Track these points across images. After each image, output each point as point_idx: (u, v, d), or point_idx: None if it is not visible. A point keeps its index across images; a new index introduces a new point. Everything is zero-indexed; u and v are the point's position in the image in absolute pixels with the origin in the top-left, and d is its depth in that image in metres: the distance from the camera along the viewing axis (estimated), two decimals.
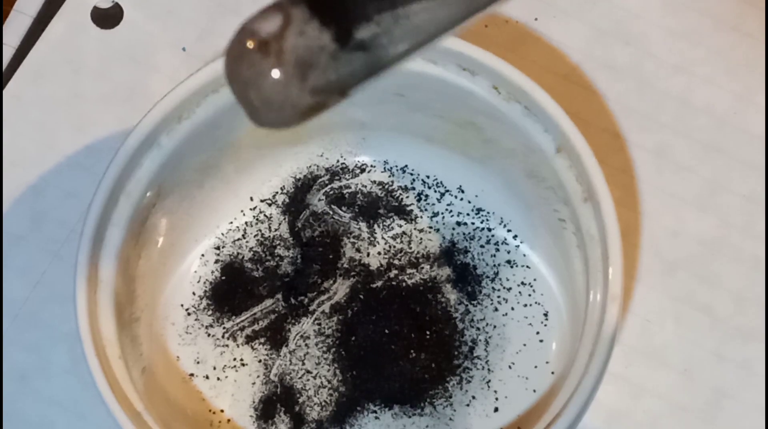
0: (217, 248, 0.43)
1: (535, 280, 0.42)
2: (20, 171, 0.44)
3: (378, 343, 0.41)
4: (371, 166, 0.43)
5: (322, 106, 0.24)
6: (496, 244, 0.42)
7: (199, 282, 0.42)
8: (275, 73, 0.23)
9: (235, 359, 0.42)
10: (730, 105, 0.44)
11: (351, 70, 0.24)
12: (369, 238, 0.43)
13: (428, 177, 0.43)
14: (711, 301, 0.42)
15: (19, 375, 0.42)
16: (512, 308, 0.42)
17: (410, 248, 0.43)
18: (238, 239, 0.43)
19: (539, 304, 0.42)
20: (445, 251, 0.42)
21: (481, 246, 0.42)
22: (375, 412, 0.41)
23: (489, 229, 0.43)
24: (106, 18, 0.45)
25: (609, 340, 0.35)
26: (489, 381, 0.41)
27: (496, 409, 0.41)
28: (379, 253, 0.42)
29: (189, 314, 0.42)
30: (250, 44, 0.24)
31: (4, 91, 0.45)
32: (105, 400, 0.35)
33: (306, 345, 0.42)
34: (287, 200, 0.43)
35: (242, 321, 0.42)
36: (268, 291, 0.42)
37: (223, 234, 0.43)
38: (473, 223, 0.43)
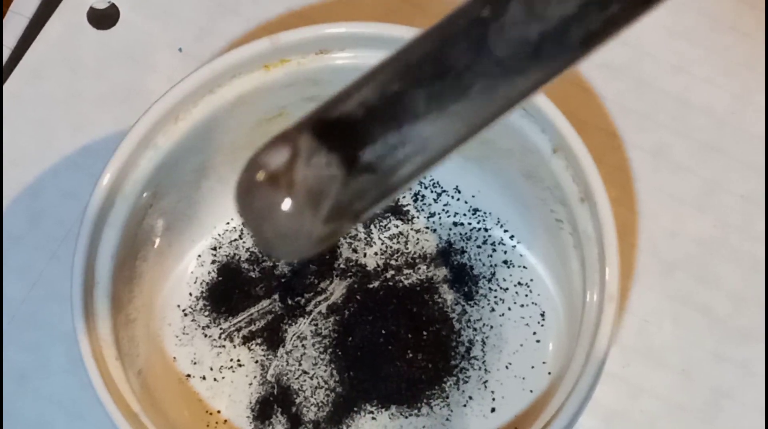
0: (214, 249, 0.43)
1: (531, 280, 0.42)
2: (18, 171, 0.44)
3: (375, 344, 0.41)
4: None
5: (336, 234, 0.24)
6: (493, 244, 0.42)
7: (195, 283, 0.42)
8: (287, 205, 0.23)
9: (231, 360, 0.42)
10: (729, 105, 0.44)
11: (362, 195, 0.24)
12: (366, 238, 0.43)
13: (425, 177, 0.43)
14: (709, 301, 0.42)
15: (17, 374, 0.42)
16: (509, 308, 0.42)
17: (407, 249, 0.43)
18: (235, 240, 0.43)
19: (536, 304, 0.42)
20: (442, 251, 0.42)
21: (478, 246, 0.42)
22: (372, 412, 0.41)
23: (486, 230, 0.43)
24: (103, 18, 0.45)
25: (606, 340, 0.35)
26: (486, 381, 0.41)
27: (493, 410, 0.41)
28: (376, 254, 0.42)
29: (186, 315, 0.42)
30: (260, 177, 0.23)
31: (2, 91, 0.45)
32: (102, 401, 0.35)
33: (303, 345, 0.42)
34: None
35: (239, 322, 0.42)
36: (265, 291, 0.42)
37: (219, 235, 0.43)
38: (470, 224, 0.43)
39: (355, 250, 0.42)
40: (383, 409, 0.41)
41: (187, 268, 0.42)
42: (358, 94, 0.23)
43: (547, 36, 0.22)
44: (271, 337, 0.42)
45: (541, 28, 0.22)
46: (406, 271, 0.42)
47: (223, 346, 0.42)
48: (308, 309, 0.42)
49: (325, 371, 0.41)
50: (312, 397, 0.41)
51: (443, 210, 0.43)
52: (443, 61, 0.23)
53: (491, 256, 0.42)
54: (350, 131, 0.23)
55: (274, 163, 0.23)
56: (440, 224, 0.43)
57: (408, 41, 0.24)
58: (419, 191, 0.43)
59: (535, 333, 0.41)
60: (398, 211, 0.43)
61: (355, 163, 0.23)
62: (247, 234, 0.43)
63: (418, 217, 0.43)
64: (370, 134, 0.23)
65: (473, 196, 0.43)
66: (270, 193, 0.23)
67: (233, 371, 0.42)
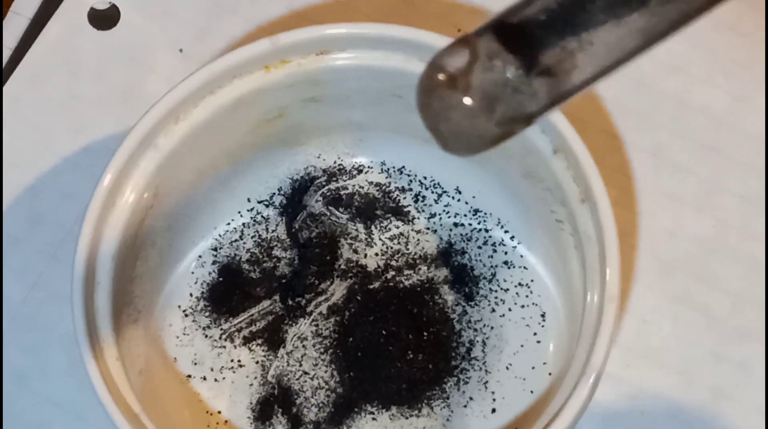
0: (215, 249, 0.43)
1: (532, 281, 0.42)
2: (18, 172, 0.44)
3: (375, 345, 0.41)
4: (368, 167, 0.43)
5: (508, 135, 0.25)
6: (494, 245, 0.42)
7: (196, 283, 0.42)
8: (463, 107, 0.25)
9: (232, 360, 0.42)
10: (728, 105, 0.44)
11: (536, 99, 0.25)
12: (366, 239, 0.43)
13: (425, 178, 0.43)
14: (709, 302, 0.42)
15: (17, 376, 0.42)
16: (509, 309, 0.42)
17: (407, 249, 0.43)
18: (236, 240, 0.43)
19: (536, 305, 0.42)
20: (443, 252, 0.42)
21: (479, 247, 0.42)
22: (372, 413, 0.41)
23: (486, 230, 0.43)
24: (103, 19, 0.45)
25: (606, 340, 0.35)
26: (486, 382, 0.41)
27: (493, 410, 0.41)
28: (377, 255, 0.42)
29: (186, 315, 0.42)
30: (439, 79, 0.25)
31: (2, 92, 0.45)
32: (102, 402, 0.35)
33: (303, 346, 0.42)
34: (284, 201, 0.43)
35: (239, 322, 0.42)
36: (266, 292, 0.42)
37: (220, 235, 0.43)
38: (470, 224, 0.43)
39: (355, 251, 0.43)
40: (384, 410, 0.41)
41: (188, 268, 0.42)
42: (540, 2, 0.24)
43: None
44: (272, 338, 0.42)
45: None
46: (406, 272, 0.42)
47: (224, 347, 0.42)
48: (309, 310, 0.42)
49: (326, 372, 0.41)
50: (312, 397, 0.41)
51: (444, 211, 0.43)
52: None
53: (492, 256, 0.42)
54: (532, 34, 0.24)
55: (454, 65, 0.25)
56: (441, 225, 0.43)
57: None
58: (420, 192, 0.43)
59: (535, 334, 0.41)
60: (399, 212, 0.43)
61: (535, 65, 0.24)
62: (248, 235, 0.43)
63: (418, 218, 0.43)
64: (550, 38, 0.24)
65: (474, 197, 0.43)
66: (448, 94, 0.25)
67: (234, 372, 0.42)
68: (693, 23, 0.25)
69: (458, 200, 0.43)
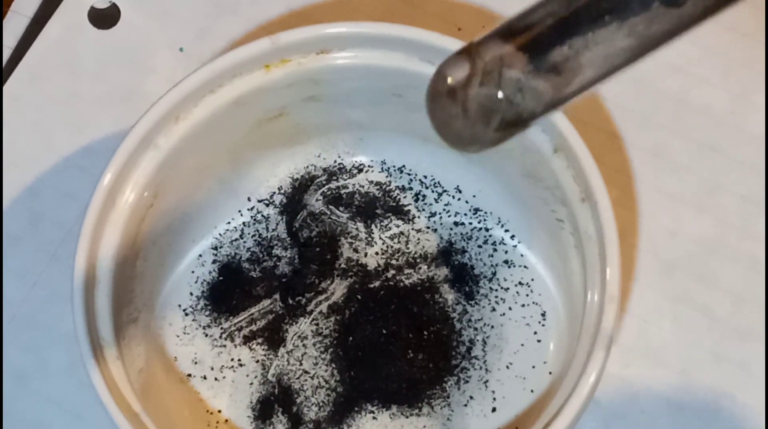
0: (215, 249, 0.43)
1: (532, 280, 0.42)
2: (18, 172, 0.44)
3: (376, 344, 0.41)
4: (369, 166, 0.43)
5: (507, 137, 0.27)
6: (494, 244, 0.42)
7: (196, 282, 0.42)
8: (461, 117, 0.27)
9: (232, 359, 0.42)
10: (728, 105, 0.44)
11: (539, 100, 0.26)
12: (366, 238, 0.43)
13: (426, 177, 0.43)
14: (709, 301, 0.42)
15: (17, 375, 0.42)
16: (510, 308, 0.42)
17: (408, 248, 0.43)
18: (236, 240, 0.43)
19: (537, 304, 0.42)
20: (443, 251, 0.42)
21: (479, 246, 0.42)
22: (373, 412, 0.41)
23: (486, 229, 0.43)
24: (104, 18, 0.45)
25: (607, 340, 0.35)
26: (487, 381, 0.41)
27: (493, 410, 0.41)
28: (377, 254, 0.42)
29: (187, 315, 0.42)
30: (442, 88, 0.27)
31: (2, 92, 0.45)
32: (103, 401, 0.35)
33: (304, 345, 0.42)
34: (285, 200, 0.43)
35: (240, 321, 0.42)
36: (266, 291, 0.42)
37: (220, 234, 0.43)
38: (471, 223, 0.43)
39: (356, 250, 0.43)
40: (384, 409, 0.41)
41: (188, 267, 0.42)
42: (544, 8, 0.26)
43: None
44: (272, 337, 0.42)
45: None
46: (407, 271, 0.42)
47: (224, 346, 0.42)
48: (309, 309, 0.42)
49: (326, 371, 0.41)
50: (313, 396, 0.41)
51: (444, 210, 0.43)
52: None
53: (492, 255, 0.42)
54: (538, 34, 0.26)
55: (455, 77, 0.26)
56: (441, 224, 0.43)
57: None
58: (420, 191, 0.43)
59: (535, 333, 0.41)
60: (399, 211, 0.43)
61: (543, 62, 0.26)
62: (248, 234, 0.43)
63: (419, 217, 0.43)
64: (557, 37, 0.26)
65: (474, 196, 0.43)
66: (449, 104, 0.27)
67: (234, 371, 0.41)
68: (696, 28, 0.26)
69: (458, 199, 0.43)
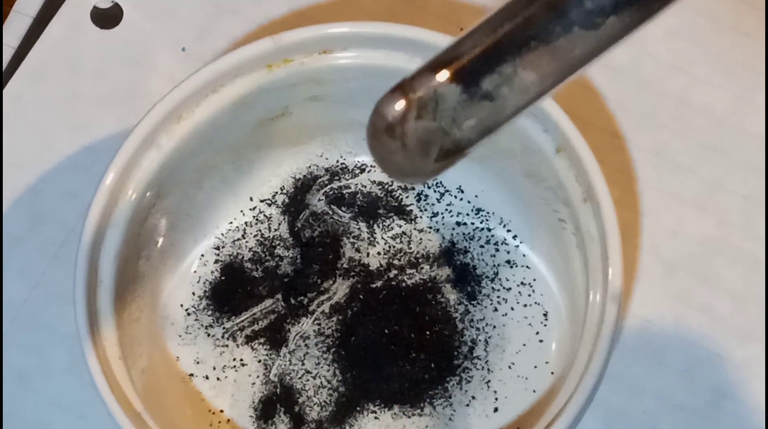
0: (217, 248, 0.43)
1: (534, 280, 0.42)
2: (19, 171, 0.44)
3: (378, 344, 0.41)
4: (371, 166, 0.43)
5: (448, 166, 0.28)
6: (496, 244, 0.42)
7: (198, 282, 0.42)
8: (401, 152, 0.27)
9: (234, 359, 0.42)
10: (729, 105, 0.44)
11: (472, 127, 0.27)
12: (369, 238, 0.43)
13: None
14: (710, 301, 0.42)
15: (18, 375, 0.42)
16: (512, 308, 0.42)
17: (410, 248, 0.43)
18: (238, 239, 0.43)
19: (539, 304, 0.42)
20: (445, 251, 0.42)
21: (481, 246, 0.42)
22: (375, 412, 0.41)
23: (488, 229, 0.43)
24: (106, 18, 0.45)
25: (609, 340, 0.35)
26: (489, 381, 0.41)
27: (495, 410, 0.41)
28: (379, 253, 0.42)
29: (189, 314, 0.42)
30: (380, 126, 0.27)
31: (4, 92, 0.44)
32: (105, 400, 0.35)
33: (306, 345, 0.42)
34: (287, 200, 0.43)
35: (242, 321, 0.42)
36: (268, 291, 0.42)
37: (222, 234, 0.43)
38: (473, 223, 0.43)
39: (358, 250, 0.43)
40: (386, 409, 0.41)
41: (190, 267, 0.42)
42: (471, 39, 0.27)
43: None
44: (274, 337, 0.42)
45: None
46: (409, 271, 0.42)
47: (226, 346, 0.42)
48: (311, 308, 0.42)
49: (328, 371, 0.41)
50: (315, 396, 0.41)
51: (446, 210, 0.43)
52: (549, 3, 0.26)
53: (494, 255, 0.42)
54: (468, 63, 0.27)
55: (391, 113, 0.27)
56: (443, 224, 0.43)
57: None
58: (422, 191, 0.43)
59: (538, 333, 0.41)
60: (401, 211, 0.43)
61: (475, 90, 0.27)
62: (250, 234, 0.43)
63: (421, 217, 0.43)
64: (486, 65, 0.26)
65: (476, 196, 0.43)
66: (388, 140, 0.28)
67: (236, 371, 0.41)
68: (618, 46, 0.27)
69: (461, 199, 0.43)
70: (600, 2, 0.26)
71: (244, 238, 0.43)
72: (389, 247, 0.43)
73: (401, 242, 0.43)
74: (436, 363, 0.41)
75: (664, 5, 0.26)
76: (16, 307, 0.42)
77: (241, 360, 0.42)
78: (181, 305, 0.42)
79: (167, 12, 0.45)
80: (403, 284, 0.42)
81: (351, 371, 0.41)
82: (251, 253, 0.43)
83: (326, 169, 0.43)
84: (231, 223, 0.43)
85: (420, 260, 0.42)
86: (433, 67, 0.27)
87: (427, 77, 0.27)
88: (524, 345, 0.41)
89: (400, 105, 0.27)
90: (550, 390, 0.40)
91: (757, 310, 0.42)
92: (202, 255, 0.43)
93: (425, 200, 0.43)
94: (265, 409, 0.41)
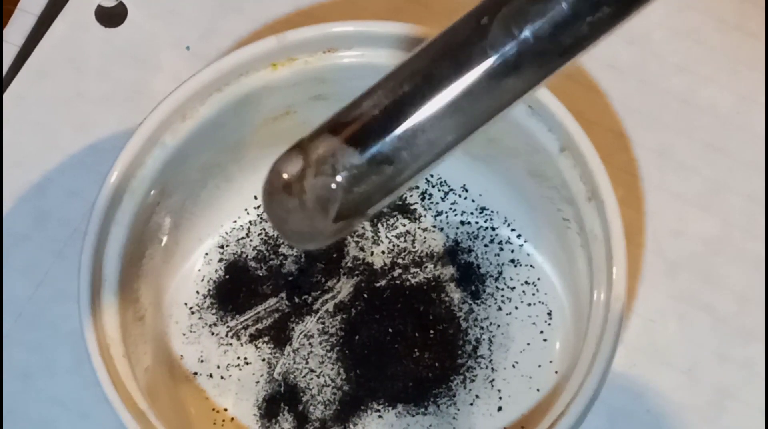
0: (221, 247, 0.43)
1: (538, 279, 0.42)
2: (23, 170, 0.44)
3: (382, 342, 0.41)
4: None
5: (347, 229, 0.27)
6: (500, 243, 0.42)
7: (203, 281, 0.42)
8: (299, 210, 0.27)
9: (238, 358, 0.42)
10: (733, 105, 0.44)
11: (370, 191, 0.26)
12: (373, 237, 0.43)
13: (432, 176, 0.43)
14: (714, 301, 0.42)
15: (22, 374, 0.42)
16: (516, 307, 0.42)
17: (414, 247, 0.43)
18: (242, 238, 0.43)
19: (543, 303, 0.42)
20: (449, 250, 0.42)
21: (485, 245, 0.42)
22: (378, 411, 0.41)
23: (493, 228, 0.43)
24: (111, 17, 0.46)
25: (613, 339, 0.35)
26: (493, 380, 0.41)
27: (499, 408, 0.41)
28: (383, 252, 0.42)
29: (193, 313, 0.42)
30: (277, 184, 0.27)
31: (8, 91, 0.45)
32: (109, 398, 0.35)
33: (310, 344, 0.42)
34: None
35: (246, 320, 0.42)
36: (272, 290, 0.42)
37: (227, 233, 0.43)
38: (477, 222, 0.43)
39: (362, 249, 0.43)
40: (390, 408, 0.41)
41: (195, 266, 0.42)
42: (369, 99, 0.26)
43: (535, 44, 0.25)
44: (278, 336, 0.42)
45: (524, 41, 0.25)
46: (413, 270, 0.42)
47: (230, 344, 0.42)
48: (315, 307, 0.42)
49: (332, 369, 0.41)
50: (319, 395, 0.41)
51: (450, 209, 0.43)
52: (450, 61, 0.26)
53: (498, 254, 0.42)
54: (364, 126, 0.26)
55: (288, 172, 0.26)
56: (447, 223, 0.43)
57: (412, 53, 0.27)
58: (426, 190, 0.43)
59: (542, 332, 0.41)
60: (405, 210, 0.43)
61: (373, 154, 0.26)
62: (254, 232, 0.43)
63: (425, 216, 0.43)
64: (383, 128, 0.26)
65: (480, 195, 0.43)
66: (285, 199, 0.27)
67: (240, 369, 0.42)
68: (519, 103, 0.26)
69: (465, 198, 0.43)
70: (502, 62, 0.25)
71: (248, 236, 0.43)
72: (393, 245, 0.43)
73: (405, 241, 0.43)
74: (440, 362, 0.41)
75: (566, 61, 0.26)
76: (21, 305, 0.42)
77: (245, 358, 0.42)
78: (185, 304, 0.42)
79: (172, 11, 0.45)
80: (407, 283, 0.42)
81: (355, 370, 0.41)
82: (255, 251, 0.43)
83: None
84: (235, 221, 0.43)
85: (424, 259, 0.42)
86: (331, 128, 0.26)
87: (326, 138, 0.26)
88: (528, 344, 0.41)
89: (297, 162, 0.26)
90: (554, 389, 0.40)
91: (761, 310, 0.42)
92: (207, 253, 0.43)
93: (429, 199, 0.43)
94: (269, 408, 0.41)
